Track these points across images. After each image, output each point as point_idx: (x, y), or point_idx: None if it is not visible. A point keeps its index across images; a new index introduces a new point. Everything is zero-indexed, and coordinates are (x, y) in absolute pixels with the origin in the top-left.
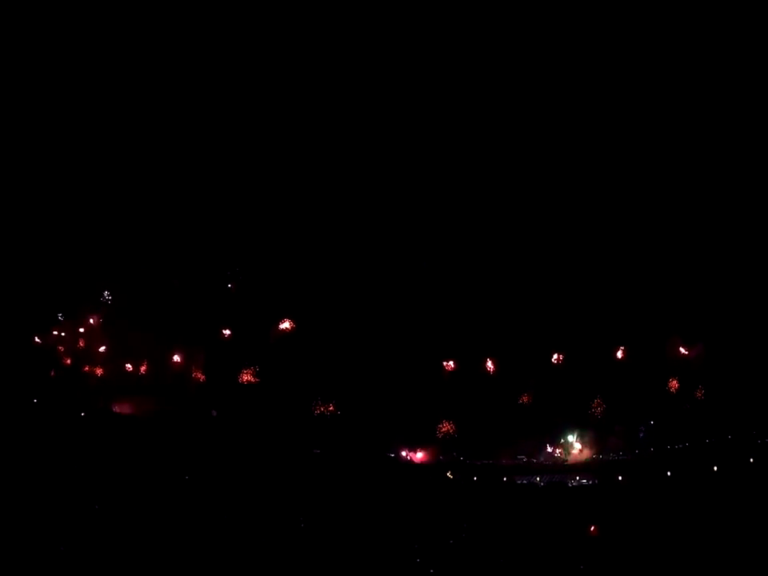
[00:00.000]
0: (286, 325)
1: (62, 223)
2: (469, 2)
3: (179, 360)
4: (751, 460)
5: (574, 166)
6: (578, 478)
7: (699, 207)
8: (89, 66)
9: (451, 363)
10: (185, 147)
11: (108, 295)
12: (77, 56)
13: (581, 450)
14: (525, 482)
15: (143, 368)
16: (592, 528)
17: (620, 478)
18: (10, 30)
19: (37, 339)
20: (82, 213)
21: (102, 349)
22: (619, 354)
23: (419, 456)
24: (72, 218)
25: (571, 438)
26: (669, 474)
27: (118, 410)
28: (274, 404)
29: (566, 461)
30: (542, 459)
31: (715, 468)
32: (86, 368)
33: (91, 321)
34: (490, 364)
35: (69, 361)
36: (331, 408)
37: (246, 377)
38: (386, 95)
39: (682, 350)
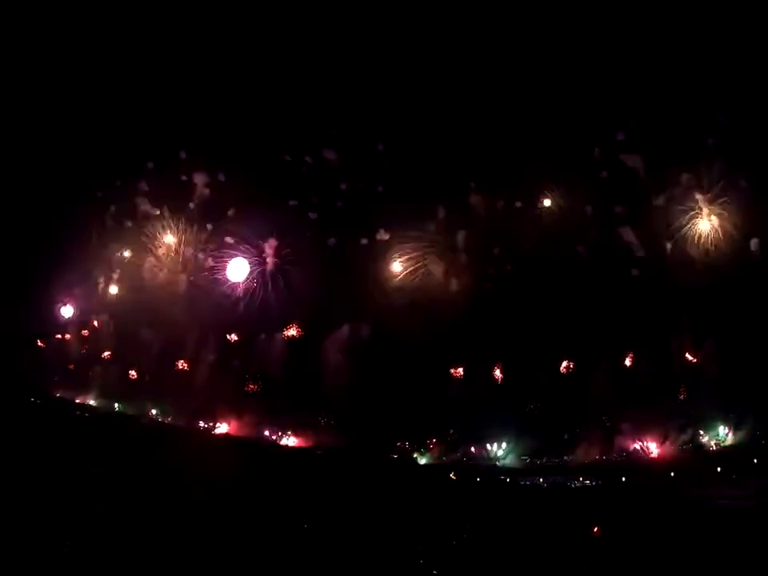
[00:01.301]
0: (292, 332)
1: (63, 225)
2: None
3: (185, 365)
4: (755, 461)
5: (581, 170)
6: (581, 478)
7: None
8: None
9: (460, 370)
10: (189, 149)
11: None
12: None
13: (586, 451)
14: (527, 482)
15: (148, 374)
16: (595, 529)
17: (623, 479)
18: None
19: (39, 343)
20: (84, 213)
21: (107, 354)
22: (625, 356)
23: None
24: (73, 218)
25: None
26: (672, 474)
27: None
28: (279, 406)
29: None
30: (544, 460)
31: (719, 469)
32: (90, 372)
33: (95, 323)
34: (498, 371)
35: (72, 365)
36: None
37: (252, 382)
38: (391, 95)
39: (687, 351)
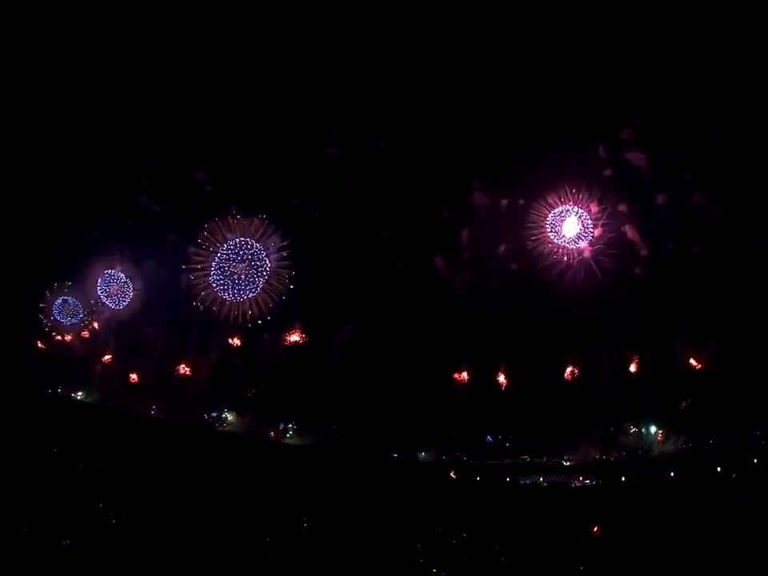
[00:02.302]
0: (295, 337)
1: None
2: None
3: (186, 369)
4: (755, 461)
5: (583, 174)
6: (581, 478)
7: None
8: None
9: (464, 375)
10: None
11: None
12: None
13: (588, 450)
14: (528, 482)
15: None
16: (595, 529)
17: (623, 478)
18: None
19: (40, 344)
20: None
21: (107, 358)
22: (626, 357)
23: None
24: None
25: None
26: (672, 474)
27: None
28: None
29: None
30: (544, 460)
31: (719, 469)
32: (90, 373)
33: (95, 325)
34: (501, 376)
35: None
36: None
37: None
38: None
39: (688, 352)
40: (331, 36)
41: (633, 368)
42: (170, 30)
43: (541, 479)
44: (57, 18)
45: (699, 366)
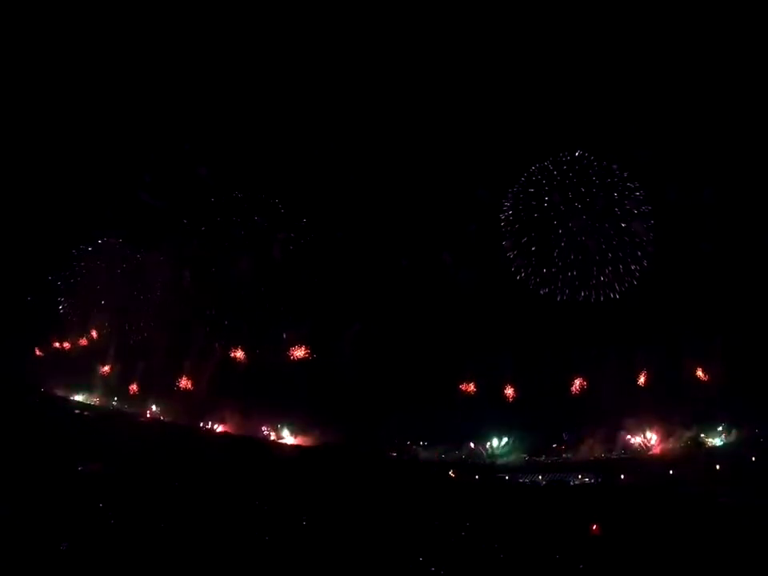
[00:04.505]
0: (300, 352)
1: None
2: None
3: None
4: (753, 459)
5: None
6: (579, 476)
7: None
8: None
9: (472, 386)
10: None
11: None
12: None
13: (590, 449)
14: (527, 480)
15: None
16: (594, 527)
17: (622, 476)
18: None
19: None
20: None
21: (107, 368)
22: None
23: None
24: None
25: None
26: (671, 472)
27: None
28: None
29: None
30: (543, 458)
31: (717, 467)
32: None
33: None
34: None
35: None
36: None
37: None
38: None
39: (688, 351)
40: (335, 33)
41: (634, 368)
42: (176, 26)
43: (540, 477)
44: (61, 12)
45: (700, 365)
